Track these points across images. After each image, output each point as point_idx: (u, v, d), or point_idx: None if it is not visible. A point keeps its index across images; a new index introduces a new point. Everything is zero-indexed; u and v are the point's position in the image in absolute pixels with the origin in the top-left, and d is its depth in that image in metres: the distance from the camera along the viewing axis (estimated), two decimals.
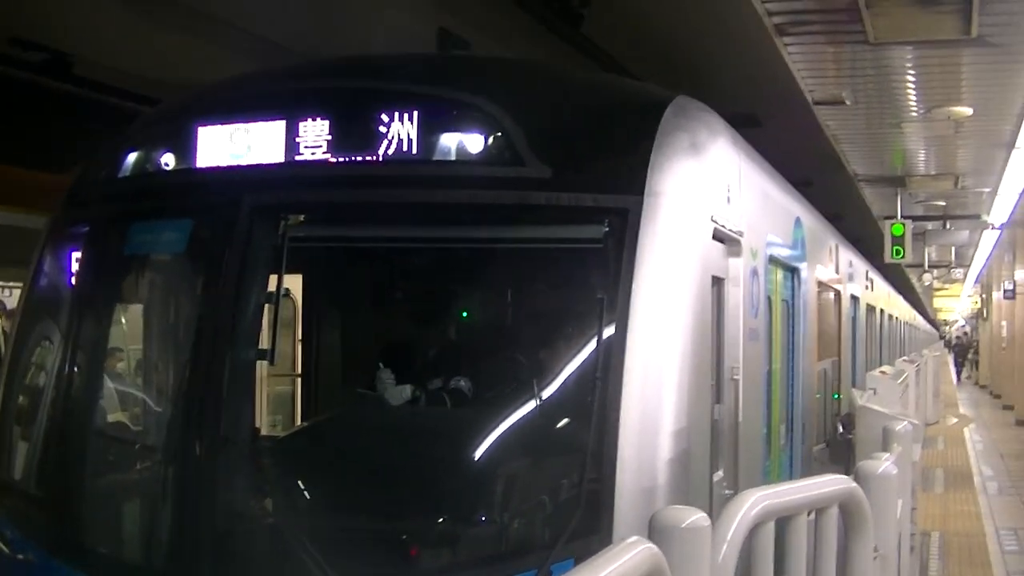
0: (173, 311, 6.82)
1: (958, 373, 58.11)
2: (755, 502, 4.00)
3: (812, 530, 4.73)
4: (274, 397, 10.54)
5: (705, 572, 3.51)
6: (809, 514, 4.63)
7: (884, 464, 5.46)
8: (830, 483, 4.88)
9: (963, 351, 62.50)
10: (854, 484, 4.96)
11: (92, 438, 6.38)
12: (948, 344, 70.70)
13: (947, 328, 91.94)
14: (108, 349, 6.77)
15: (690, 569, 3.40)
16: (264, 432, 7.88)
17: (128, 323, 7.75)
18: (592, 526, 5.11)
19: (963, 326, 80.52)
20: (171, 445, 5.77)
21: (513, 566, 5.17)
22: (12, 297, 12.80)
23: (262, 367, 7.30)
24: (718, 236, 6.22)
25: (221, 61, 10.90)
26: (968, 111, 14.52)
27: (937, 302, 75.17)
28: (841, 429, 11.66)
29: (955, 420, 32.45)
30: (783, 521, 4.47)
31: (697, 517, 3.51)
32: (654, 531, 3.42)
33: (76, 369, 6.30)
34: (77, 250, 6.65)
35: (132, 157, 6.48)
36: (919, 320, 47.90)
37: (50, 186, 7.73)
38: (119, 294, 6.79)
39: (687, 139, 5.91)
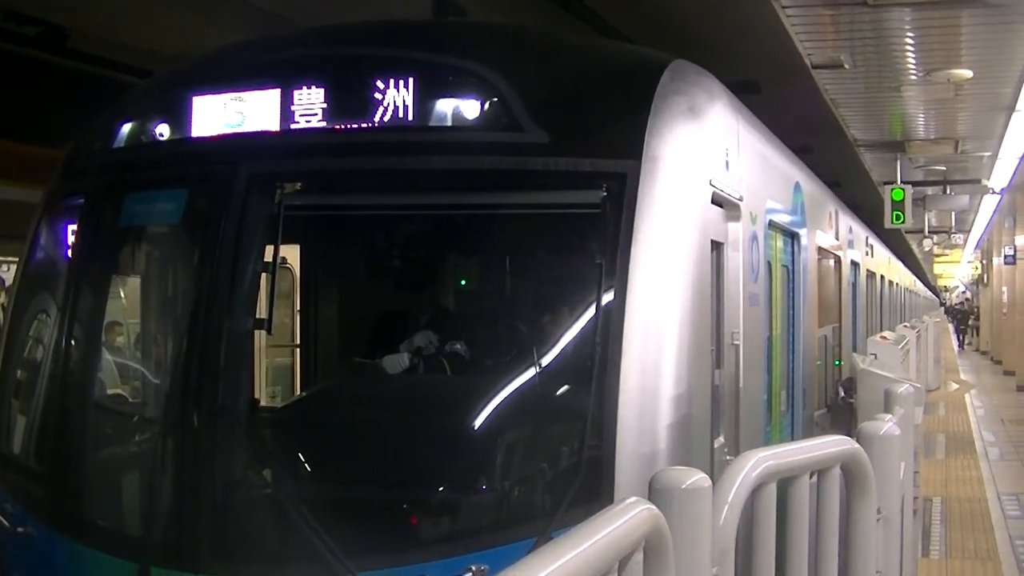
0: (169, 282, 6.81)
1: (959, 341, 57.94)
2: (756, 463, 3.98)
3: (814, 492, 4.71)
4: (273, 368, 10.52)
5: (706, 534, 3.48)
6: (811, 476, 4.60)
7: (887, 425, 5.43)
8: (832, 444, 4.85)
9: (964, 318, 62.20)
10: (856, 445, 4.93)
11: (90, 411, 6.37)
12: (948, 311, 70.61)
13: (947, 294, 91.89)
14: (106, 322, 6.75)
15: (690, 531, 3.37)
16: (264, 403, 7.87)
17: (127, 296, 7.74)
18: (593, 492, 5.08)
19: (963, 292, 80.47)
20: (169, 416, 5.74)
21: (514, 533, 5.15)
22: (11, 272, 12.77)
23: (260, 338, 7.30)
24: (717, 200, 6.18)
25: (218, 32, 10.84)
26: (968, 74, 14.44)
27: (937, 268, 75.12)
28: (842, 393, 11.66)
29: (956, 386, 32.48)
30: (785, 483, 4.44)
31: (698, 478, 3.48)
32: (654, 492, 3.39)
33: (73, 342, 6.27)
34: (73, 223, 6.61)
35: (127, 128, 6.44)
36: (919, 286, 47.89)
37: (47, 160, 7.69)
38: (115, 266, 6.76)
39: (685, 103, 5.86)
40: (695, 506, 3.42)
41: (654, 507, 3.08)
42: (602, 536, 2.74)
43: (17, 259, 7.22)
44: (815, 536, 4.71)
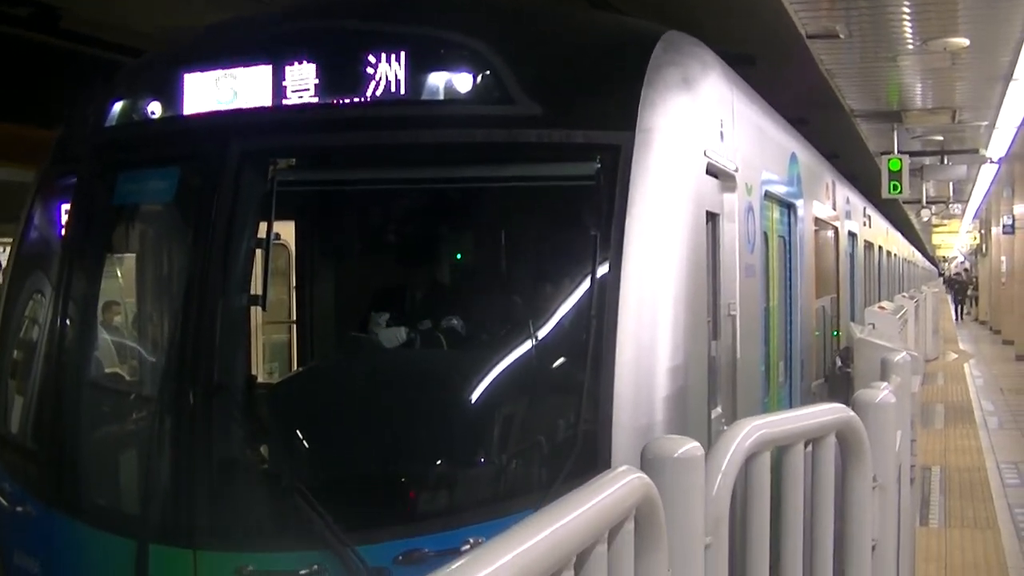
0: (164, 260, 6.80)
1: (958, 312, 57.80)
2: (750, 431, 3.96)
3: (809, 462, 4.70)
4: (271, 345, 10.53)
5: (699, 503, 3.46)
6: (807, 446, 4.59)
7: (882, 393, 5.41)
8: (827, 412, 4.84)
9: (962, 288, 61.96)
10: (851, 413, 4.91)
11: (87, 390, 6.36)
12: (946, 281, 70.50)
13: (946, 265, 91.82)
14: (104, 301, 6.74)
15: (683, 500, 3.36)
16: (261, 380, 7.87)
17: (123, 275, 7.73)
18: (590, 465, 5.07)
19: (962, 262, 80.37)
20: (165, 395, 5.73)
21: (511, 506, 5.15)
22: (6, 254, 12.76)
23: (256, 315, 7.29)
24: (712, 171, 6.17)
25: (211, 10, 10.79)
26: (965, 42, 14.37)
27: (936, 238, 75.02)
28: (840, 363, 11.66)
29: (955, 356, 32.52)
30: (780, 452, 4.44)
31: (690, 447, 3.47)
32: (646, 462, 3.37)
33: (68, 321, 6.26)
34: (66, 203, 6.60)
35: (118, 107, 6.42)
36: (918, 257, 47.88)
37: (39, 141, 7.67)
38: (109, 245, 6.74)
39: (678, 74, 5.85)
40: (688, 475, 3.40)
41: (645, 476, 3.07)
42: (591, 505, 2.72)
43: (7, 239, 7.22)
44: (810, 505, 4.71)
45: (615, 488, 2.87)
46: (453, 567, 2.19)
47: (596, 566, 2.75)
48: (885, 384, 5.76)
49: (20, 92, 12.72)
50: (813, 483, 4.71)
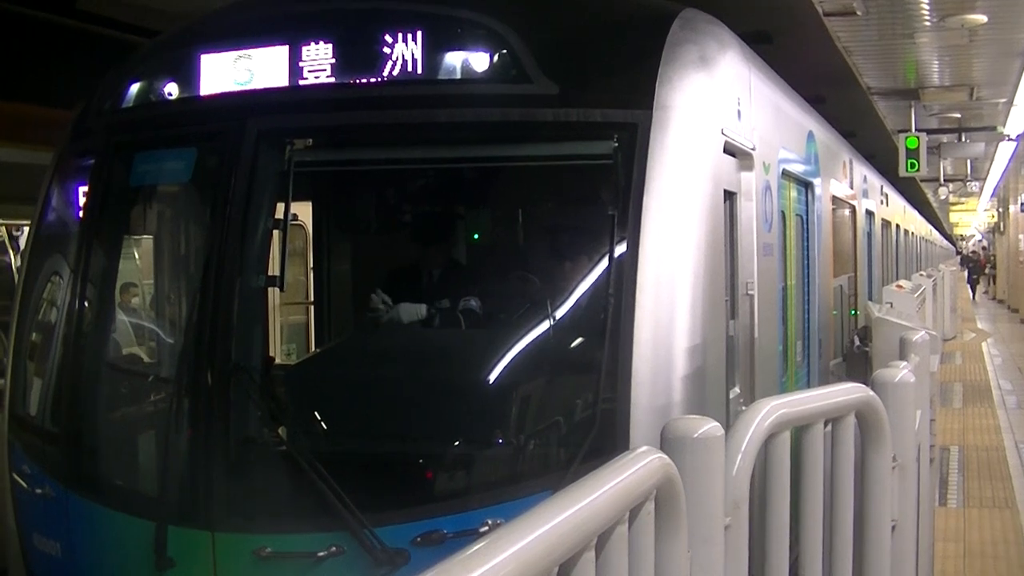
0: (181, 240, 6.80)
1: (972, 291, 57.35)
2: (769, 411, 3.94)
3: (829, 442, 4.68)
4: (288, 326, 10.54)
5: (719, 483, 3.45)
6: (826, 425, 4.57)
7: (902, 372, 5.38)
8: (846, 391, 4.81)
9: (977, 268, 61.34)
10: (871, 392, 4.88)
11: (105, 372, 6.38)
12: (962, 260, 70.11)
13: (963, 243, 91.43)
14: (121, 283, 6.74)
15: (703, 480, 3.34)
16: (279, 361, 7.88)
17: (140, 257, 7.73)
18: (608, 445, 5.07)
19: (979, 240, 79.94)
20: (183, 376, 5.74)
21: (529, 487, 5.15)
22: (23, 235, 12.78)
23: (274, 295, 7.29)
24: (729, 150, 6.14)
25: None
26: (983, 19, 14.30)
27: (953, 217, 74.72)
28: (858, 342, 11.62)
29: (973, 335, 32.40)
30: (799, 432, 4.42)
31: (710, 427, 3.45)
32: (666, 441, 3.35)
33: (86, 303, 6.28)
34: (83, 183, 6.60)
35: (135, 87, 6.42)
36: (935, 235, 47.70)
37: (56, 122, 7.67)
38: (126, 226, 6.76)
39: (696, 52, 5.82)
40: (707, 455, 3.38)
41: (665, 456, 3.05)
42: (612, 485, 2.70)
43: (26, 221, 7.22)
44: (830, 486, 4.69)
45: (636, 469, 2.85)
46: (475, 548, 2.18)
47: (617, 547, 2.74)
48: (904, 363, 5.72)
49: (35, 72, 12.72)
50: (832, 463, 4.68)
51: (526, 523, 2.36)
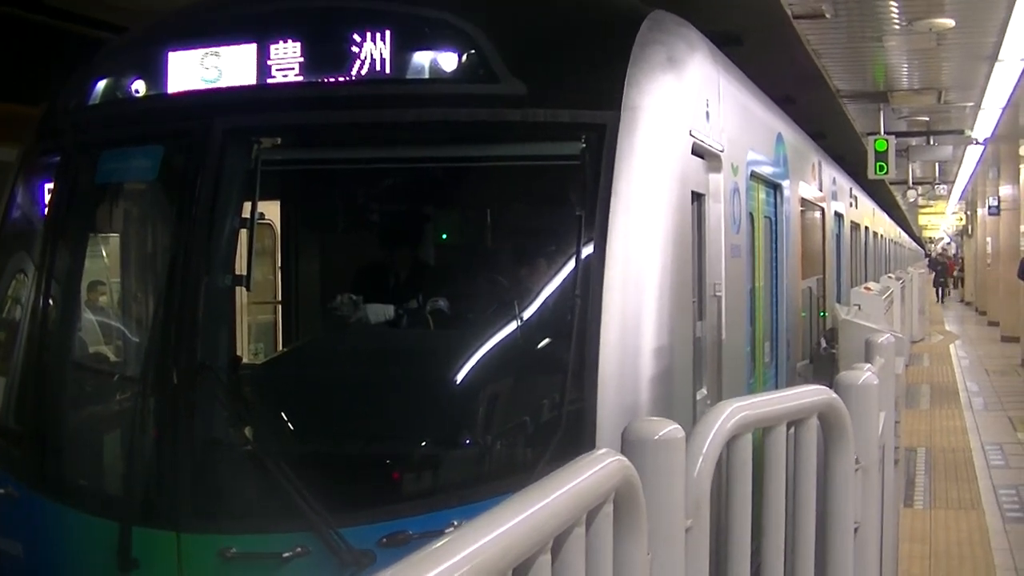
0: (147, 239, 6.76)
1: (939, 295, 57.42)
2: (731, 413, 3.94)
3: (792, 444, 4.69)
4: (256, 326, 10.49)
5: (680, 485, 3.45)
6: (789, 428, 4.58)
7: (864, 375, 5.39)
8: (809, 394, 4.82)
9: (944, 271, 61.30)
10: (834, 395, 4.89)
11: (69, 370, 6.33)
12: (930, 263, 70.36)
13: (932, 245, 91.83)
14: (88, 281, 6.70)
15: (664, 482, 3.34)
16: (246, 361, 7.84)
17: (108, 255, 7.69)
18: (575, 446, 5.04)
19: (948, 243, 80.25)
20: (149, 375, 5.71)
21: (496, 488, 5.13)
22: None
23: (242, 295, 7.26)
24: (697, 151, 6.15)
25: None
26: (950, 23, 14.38)
27: (922, 219, 75.00)
28: (824, 344, 11.67)
29: (940, 337, 32.59)
30: (762, 434, 4.42)
31: (670, 429, 3.45)
32: (626, 444, 3.35)
33: (52, 301, 6.23)
34: (49, 181, 6.56)
35: (102, 84, 6.37)
36: (904, 238, 47.92)
37: (21, 118, 7.61)
38: (92, 224, 6.70)
39: (664, 53, 5.82)
40: (668, 457, 3.38)
41: (624, 458, 3.04)
42: (569, 487, 2.70)
43: None
44: (792, 487, 4.70)
45: (594, 471, 2.85)
46: (432, 548, 2.17)
47: (574, 549, 2.73)
48: (868, 366, 5.75)
49: (3, 68, 12.63)
50: (795, 465, 4.69)
51: (482, 524, 2.36)
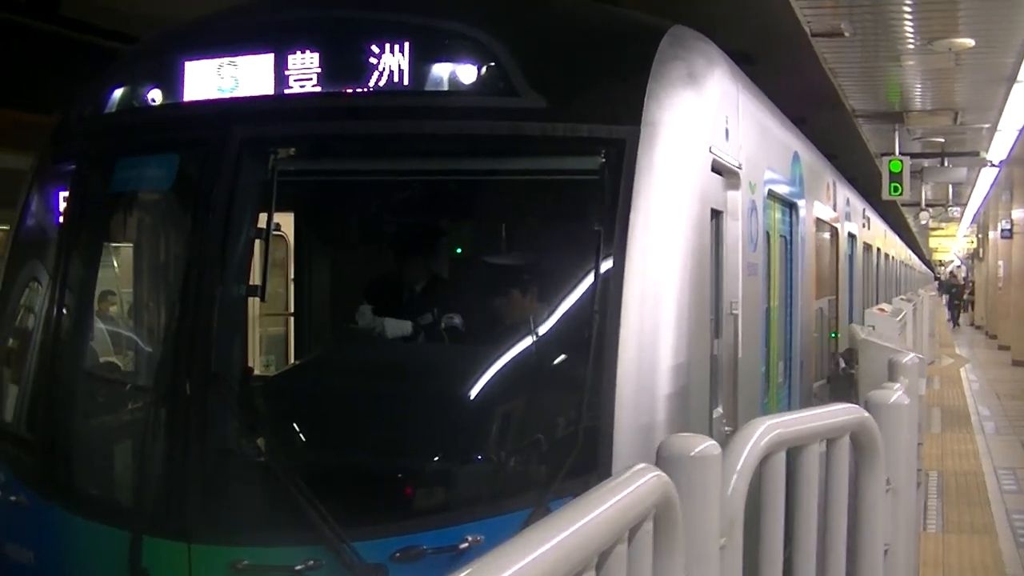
0: (162, 248, 6.73)
1: (954, 318, 56.90)
2: (765, 431, 3.87)
3: (822, 463, 4.61)
4: (267, 337, 10.46)
5: (715, 503, 3.37)
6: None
7: (896, 394, 5.29)
8: (841, 412, 4.73)
9: (958, 293, 60.95)
10: (866, 414, 4.80)
11: (81, 379, 6.30)
12: (941, 286, 70.05)
13: (941, 268, 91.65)
14: (100, 291, 6.67)
15: (699, 500, 3.26)
16: (258, 372, 7.80)
17: (120, 265, 7.65)
18: (591, 463, 5.04)
19: (959, 265, 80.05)
20: (161, 385, 5.67)
21: (511, 504, 5.09)
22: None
23: (254, 306, 7.22)
24: (716, 168, 6.10)
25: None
26: (970, 43, 14.32)
27: (932, 242, 75.02)
28: (843, 364, 11.59)
29: (951, 360, 32.47)
30: (794, 452, 4.34)
31: (707, 445, 3.38)
32: (662, 459, 3.27)
33: (65, 310, 6.20)
34: (64, 190, 6.53)
35: (117, 93, 6.35)
36: (914, 260, 47.86)
37: (36, 126, 7.59)
38: (106, 233, 6.68)
39: (684, 68, 5.78)
40: (704, 474, 3.31)
41: (663, 474, 2.98)
42: (612, 503, 2.62)
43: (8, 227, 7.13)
44: (823, 508, 4.62)
45: (636, 486, 2.78)
46: (477, 564, 2.10)
47: (616, 566, 2.67)
48: (898, 384, 5.67)
49: (18, 77, 12.64)
50: (826, 485, 4.61)
51: (530, 538, 2.28)
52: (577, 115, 5.49)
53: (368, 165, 6.22)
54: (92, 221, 6.37)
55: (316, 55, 5.72)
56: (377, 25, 5.76)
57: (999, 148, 24.55)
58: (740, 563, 3.73)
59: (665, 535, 2.97)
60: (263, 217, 5.66)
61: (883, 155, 23.12)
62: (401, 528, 5.13)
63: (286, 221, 8.51)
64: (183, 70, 5.98)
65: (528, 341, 5.72)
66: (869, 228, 18.99)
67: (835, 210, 13.04)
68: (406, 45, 5.59)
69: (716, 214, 6.22)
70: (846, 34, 13.66)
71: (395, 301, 6.87)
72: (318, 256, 8.41)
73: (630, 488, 2.76)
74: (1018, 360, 31.05)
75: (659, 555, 2.97)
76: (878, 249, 21.14)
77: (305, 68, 5.74)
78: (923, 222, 38.63)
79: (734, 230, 6.62)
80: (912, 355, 7.06)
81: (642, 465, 2.95)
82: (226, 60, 5.88)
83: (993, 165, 27.04)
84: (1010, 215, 35.10)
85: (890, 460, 5.01)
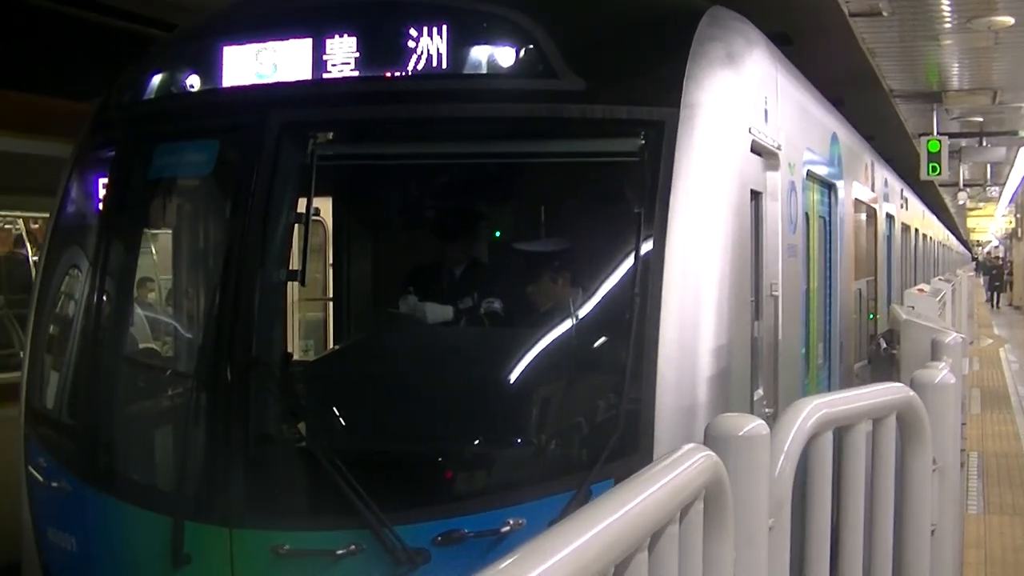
0: (201, 233, 6.74)
1: (994, 299, 56.22)
2: (812, 411, 3.85)
3: (867, 442, 4.58)
4: (306, 323, 10.47)
5: (763, 483, 3.35)
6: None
7: (942, 373, 5.25)
8: (887, 392, 4.71)
9: (998, 274, 60.25)
10: (912, 393, 4.77)
11: (122, 365, 6.32)
12: (979, 266, 69.37)
13: (979, 249, 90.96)
14: (138, 277, 6.68)
15: (747, 480, 3.24)
16: (296, 358, 7.81)
17: (158, 251, 7.67)
18: (632, 446, 5.03)
19: (997, 246, 79.33)
20: (202, 370, 5.68)
21: (552, 487, 5.09)
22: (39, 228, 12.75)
23: (294, 291, 7.23)
24: (756, 149, 6.07)
25: None
26: (1009, 20, 14.16)
27: (970, 222, 74.42)
28: (884, 345, 11.51)
29: (990, 341, 32.23)
30: (840, 432, 4.31)
31: (755, 425, 3.35)
32: (710, 439, 3.25)
33: (105, 296, 6.22)
34: (103, 176, 6.55)
35: (156, 79, 6.36)
36: (952, 240, 47.51)
37: (74, 114, 7.62)
38: (146, 219, 6.71)
39: (723, 49, 5.75)
40: (753, 454, 3.29)
41: (713, 454, 2.96)
42: (664, 483, 2.61)
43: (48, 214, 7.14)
44: (869, 488, 4.59)
45: (687, 466, 2.77)
46: (535, 542, 2.09)
47: (668, 547, 2.66)
48: (943, 364, 5.62)
49: (56, 64, 12.69)
50: (873, 465, 4.58)
51: (583, 520, 2.27)
52: (616, 97, 5.47)
53: (406, 149, 6.21)
54: (132, 207, 6.39)
55: (354, 39, 5.71)
56: (414, 8, 5.74)
57: None
58: (787, 544, 3.71)
59: (715, 516, 2.96)
60: (302, 202, 5.66)
61: (921, 135, 22.95)
62: (443, 512, 5.13)
63: (324, 206, 8.50)
64: (221, 56, 5.98)
65: (568, 324, 5.70)
66: (907, 209, 18.86)
67: (873, 191, 12.95)
68: (444, 28, 5.58)
69: (756, 195, 6.19)
70: (884, 13, 13.53)
71: (435, 285, 6.86)
72: (356, 241, 8.41)
73: (681, 468, 2.75)
74: None
75: (709, 536, 2.96)
76: (916, 230, 21.00)
77: (343, 52, 5.73)
78: (961, 202, 38.29)
79: (774, 211, 6.59)
80: (955, 335, 7.01)
81: (692, 445, 2.93)
82: (264, 45, 5.88)
83: None
84: None
85: (936, 439, 4.98)
